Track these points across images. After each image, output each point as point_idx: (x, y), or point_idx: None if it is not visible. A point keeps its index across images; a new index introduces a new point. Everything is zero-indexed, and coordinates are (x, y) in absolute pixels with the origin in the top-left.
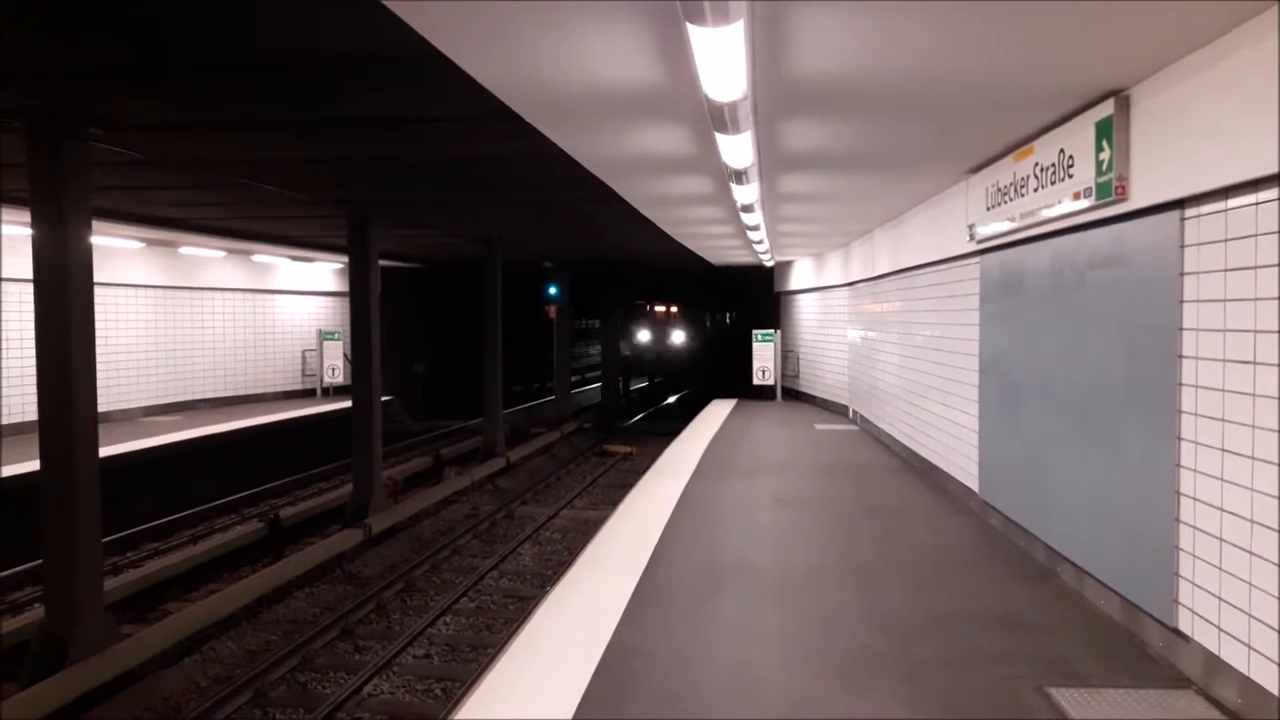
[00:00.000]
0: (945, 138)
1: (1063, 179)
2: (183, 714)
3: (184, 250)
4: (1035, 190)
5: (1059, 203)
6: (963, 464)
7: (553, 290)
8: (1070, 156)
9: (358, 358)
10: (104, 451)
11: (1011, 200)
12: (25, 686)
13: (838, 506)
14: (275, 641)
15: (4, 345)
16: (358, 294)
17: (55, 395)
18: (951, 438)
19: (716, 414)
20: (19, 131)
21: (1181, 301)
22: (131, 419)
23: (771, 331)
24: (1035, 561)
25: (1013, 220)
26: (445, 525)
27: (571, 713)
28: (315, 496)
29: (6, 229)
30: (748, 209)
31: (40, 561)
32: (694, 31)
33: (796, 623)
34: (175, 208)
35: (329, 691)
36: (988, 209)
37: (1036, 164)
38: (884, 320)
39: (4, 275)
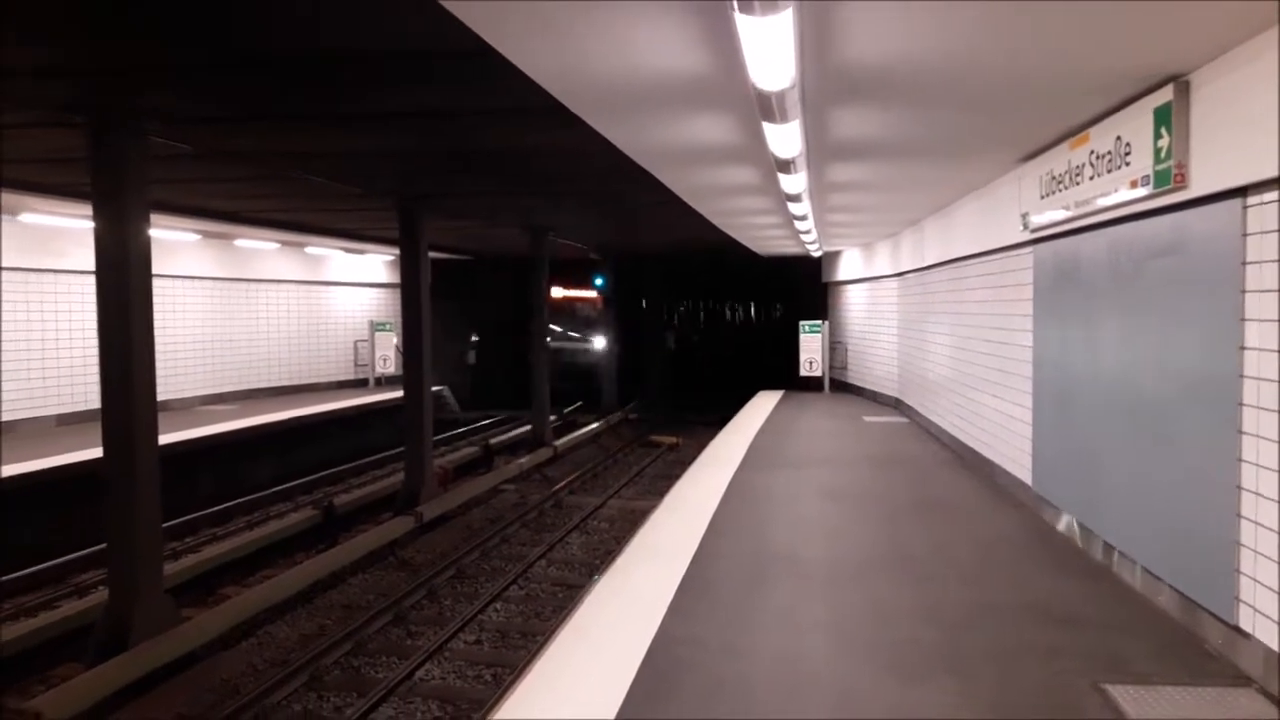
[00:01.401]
0: (998, 125)
1: (1119, 167)
2: (240, 696)
3: (239, 243)
4: (1091, 178)
5: (1115, 191)
6: (1015, 456)
7: (599, 281)
8: (1127, 144)
9: (408, 348)
10: (163, 439)
11: (1066, 189)
12: (91, 666)
13: (886, 498)
14: (330, 626)
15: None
16: (408, 285)
17: (117, 384)
18: (1003, 430)
19: (763, 405)
20: (80, 127)
21: (1243, 291)
22: (189, 408)
23: (819, 322)
24: (1089, 556)
25: (1067, 209)
26: (494, 513)
27: (621, 700)
28: (368, 485)
29: (71, 222)
30: (795, 199)
31: (103, 546)
32: (742, 20)
33: (845, 614)
34: (230, 200)
35: (382, 676)
36: (1041, 197)
37: (1092, 151)
38: (934, 311)
39: (70, 267)
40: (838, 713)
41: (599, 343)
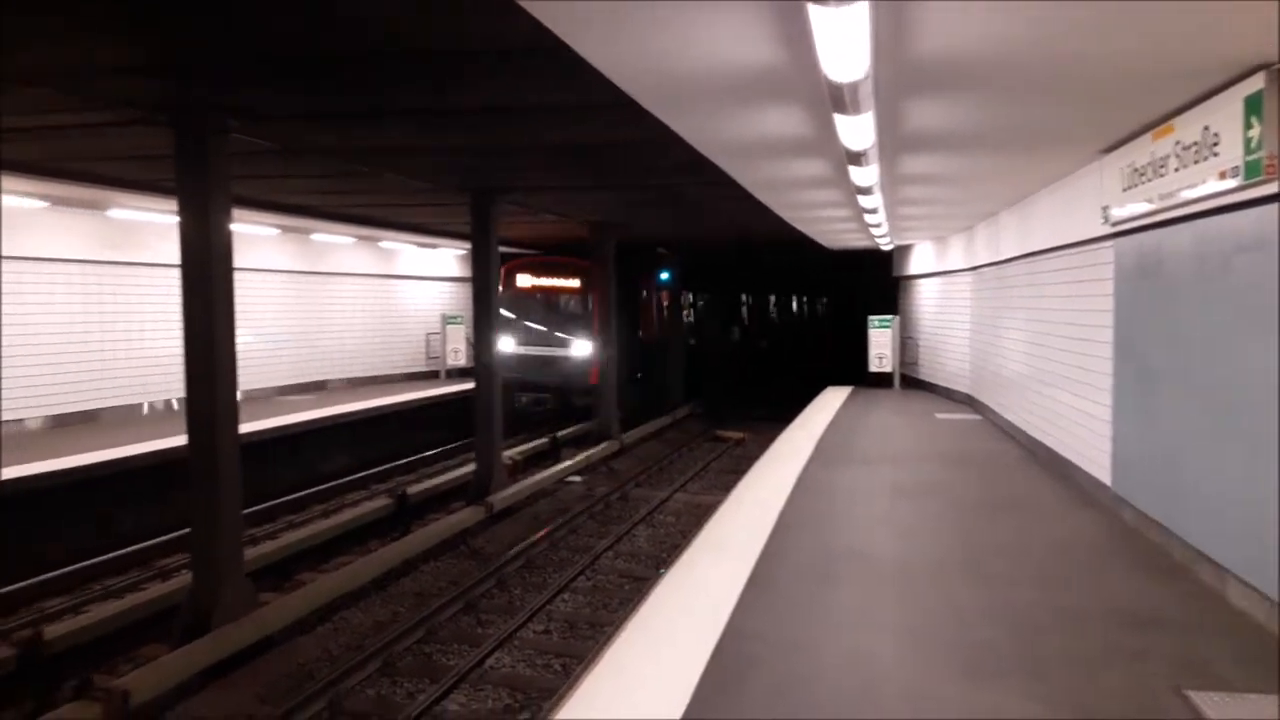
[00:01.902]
0: (1078, 116)
1: (1206, 158)
2: (316, 680)
3: (315, 237)
4: (1176, 170)
5: (1202, 183)
6: (1093, 455)
7: (664, 275)
8: (1215, 134)
9: (479, 341)
10: (243, 429)
11: (1149, 181)
12: (175, 648)
13: (959, 497)
14: (402, 613)
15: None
16: (479, 278)
17: (200, 375)
18: (1081, 428)
19: (831, 401)
20: (165, 125)
21: None
22: (267, 398)
23: (889, 317)
24: (1172, 558)
25: (1151, 202)
26: (562, 505)
27: (689, 695)
28: (439, 475)
29: (157, 216)
30: (866, 192)
31: (187, 531)
32: (815, 11)
33: (916, 613)
34: (307, 195)
35: (453, 663)
36: (1123, 190)
37: (1177, 142)
38: (1009, 306)
39: (157, 261)
40: (909, 714)
41: (583, 348)
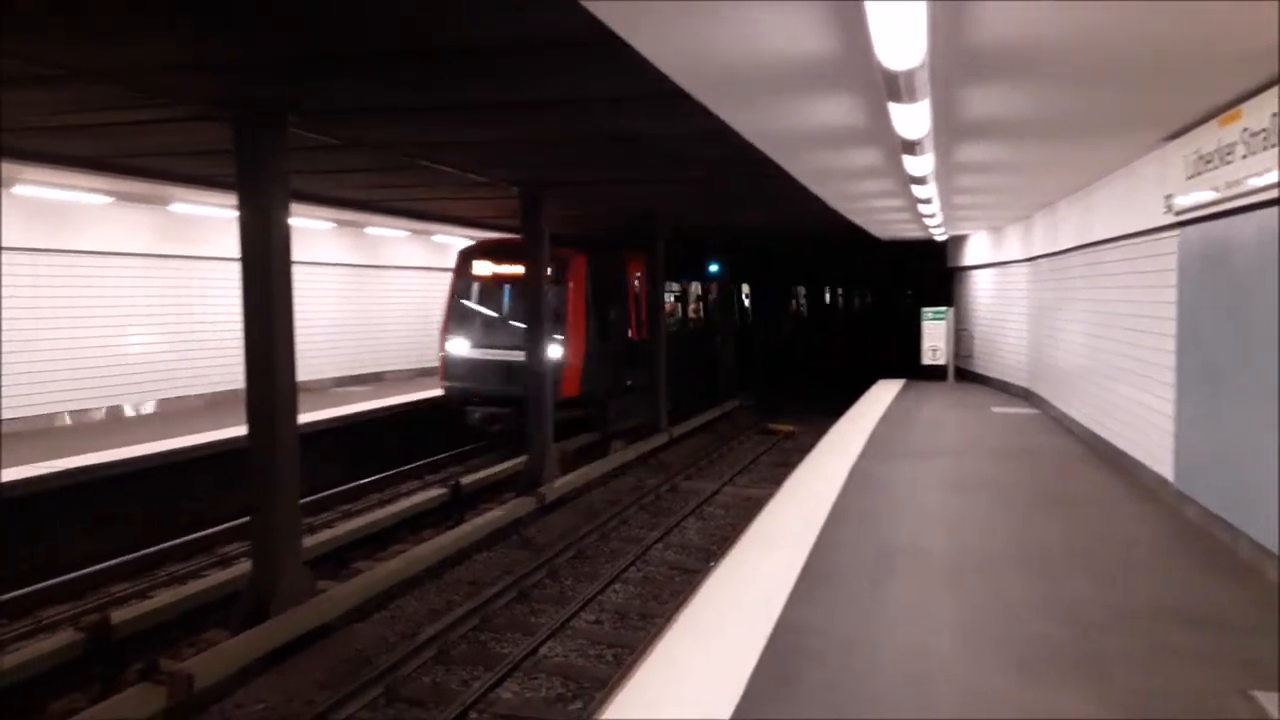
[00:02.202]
0: (1141, 103)
1: (1275, 144)
2: (373, 667)
3: (369, 230)
4: (1243, 157)
5: (1271, 171)
6: (1155, 450)
7: (714, 267)
8: None
9: (530, 334)
10: (301, 419)
11: (1215, 169)
12: (235, 634)
13: (1016, 492)
14: (457, 601)
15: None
16: (530, 271)
17: (259, 367)
18: (1143, 422)
19: (883, 394)
20: (225, 121)
21: None
22: (324, 389)
23: (943, 309)
24: (1238, 556)
25: (1216, 190)
26: (612, 496)
27: (742, 688)
28: (492, 465)
29: (217, 211)
30: (920, 181)
31: (247, 519)
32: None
33: (971, 609)
34: (362, 190)
35: (507, 651)
36: (1187, 179)
37: (1245, 129)
38: (1068, 297)
39: (217, 255)
40: (966, 711)
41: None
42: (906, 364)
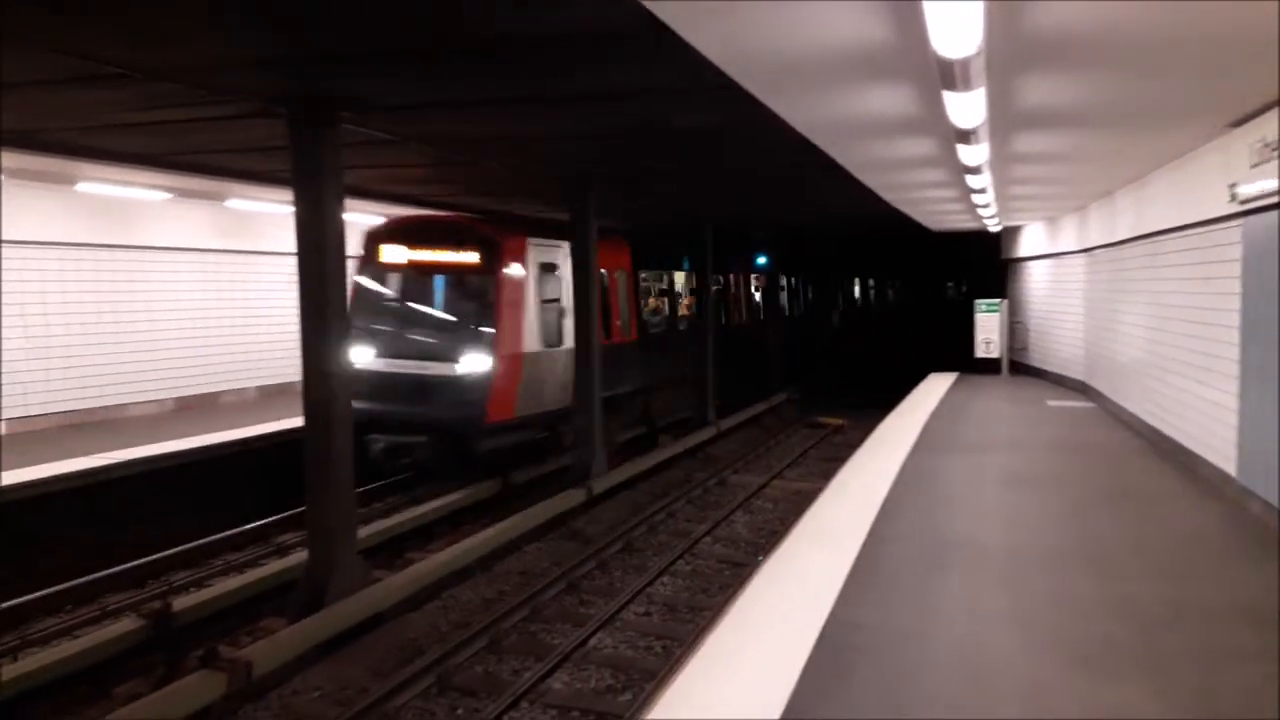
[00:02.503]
0: (1204, 89)
1: None
2: (425, 656)
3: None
4: None
5: None
6: (1218, 445)
7: (761, 260)
8: None
9: (579, 328)
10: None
11: None
12: (292, 622)
13: (1073, 487)
14: (507, 592)
15: None
16: (579, 265)
17: (316, 359)
18: (1205, 417)
19: (935, 388)
20: (280, 117)
21: None
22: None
23: (997, 301)
24: None
25: None
26: (660, 489)
27: (794, 682)
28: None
29: (274, 207)
30: (974, 171)
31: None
32: None
33: (1029, 605)
34: (412, 185)
35: (557, 642)
36: (1252, 166)
37: None
38: (1126, 289)
39: (269, 249)
40: (1025, 709)
41: (475, 363)
42: (959, 357)
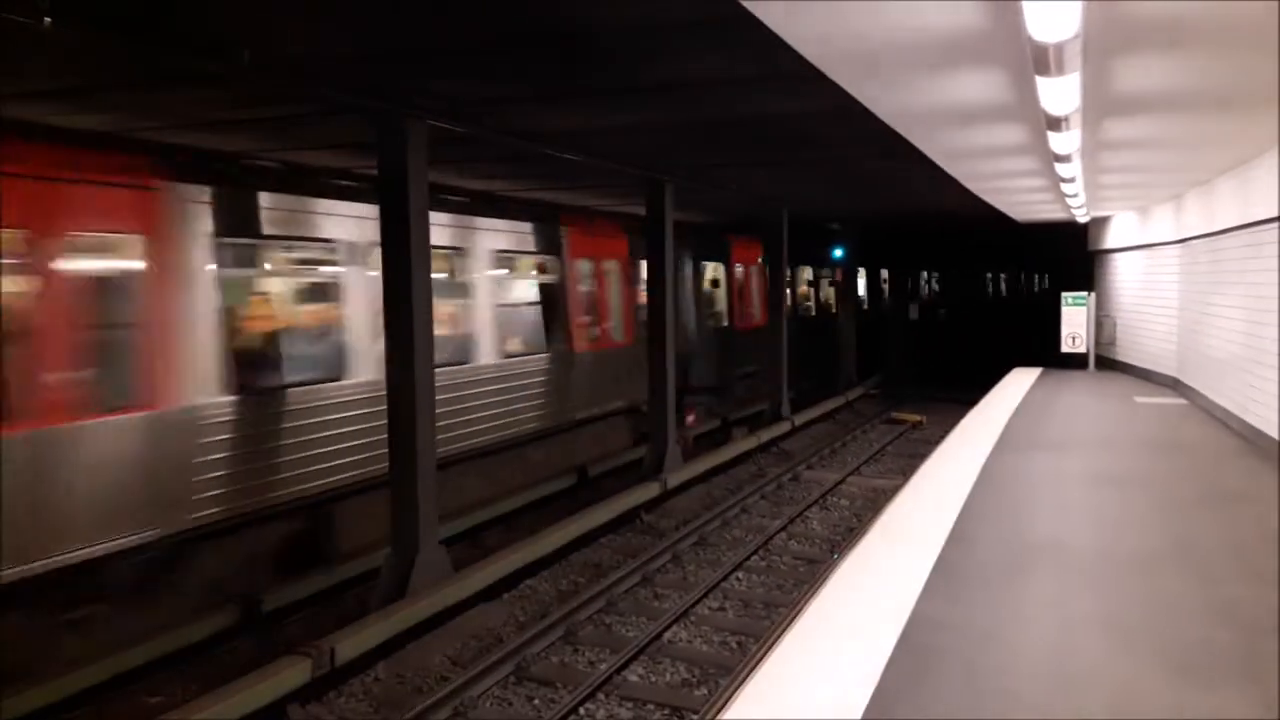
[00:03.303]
0: None
1: None
2: (504, 645)
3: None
4: None
5: None
6: None
7: (838, 253)
8: None
9: (654, 323)
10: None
11: None
12: (377, 609)
13: (1165, 487)
14: (583, 584)
15: None
16: (654, 259)
17: (400, 353)
18: None
19: (1018, 383)
20: (365, 114)
21: None
22: None
23: (1084, 294)
24: None
25: None
26: (734, 484)
27: (875, 682)
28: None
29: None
30: (1064, 159)
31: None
32: None
33: (1121, 608)
34: (485, 180)
35: (632, 635)
36: None
37: None
38: (1225, 281)
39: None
40: (1117, 713)
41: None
42: (1044, 351)
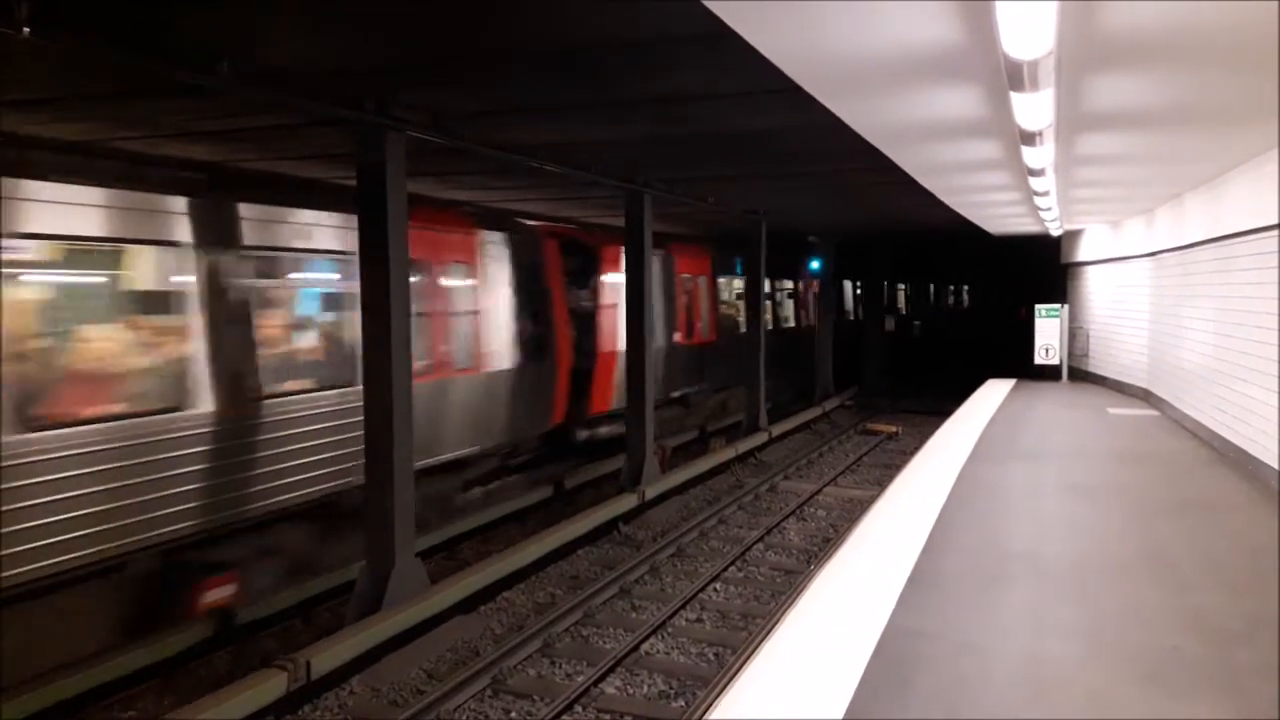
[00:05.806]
0: None
1: None
2: (480, 658)
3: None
4: None
5: None
6: None
7: (815, 264)
8: None
9: (632, 333)
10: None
11: None
12: (352, 622)
13: (1137, 497)
14: (560, 596)
15: None
16: (633, 270)
17: (377, 364)
18: (1275, 425)
19: (993, 394)
20: (346, 124)
21: None
22: None
23: (1057, 306)
24: None
25: None
26: (711, 495)
27: (851, 692)
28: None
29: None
30: (1038, 174)
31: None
32: None
33: (1094, 617)
34: (471, 191)
35: (610, 647)
36: None
37: None
38: (1195, 294)
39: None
40: None
41: None
42: (1017, 363)
